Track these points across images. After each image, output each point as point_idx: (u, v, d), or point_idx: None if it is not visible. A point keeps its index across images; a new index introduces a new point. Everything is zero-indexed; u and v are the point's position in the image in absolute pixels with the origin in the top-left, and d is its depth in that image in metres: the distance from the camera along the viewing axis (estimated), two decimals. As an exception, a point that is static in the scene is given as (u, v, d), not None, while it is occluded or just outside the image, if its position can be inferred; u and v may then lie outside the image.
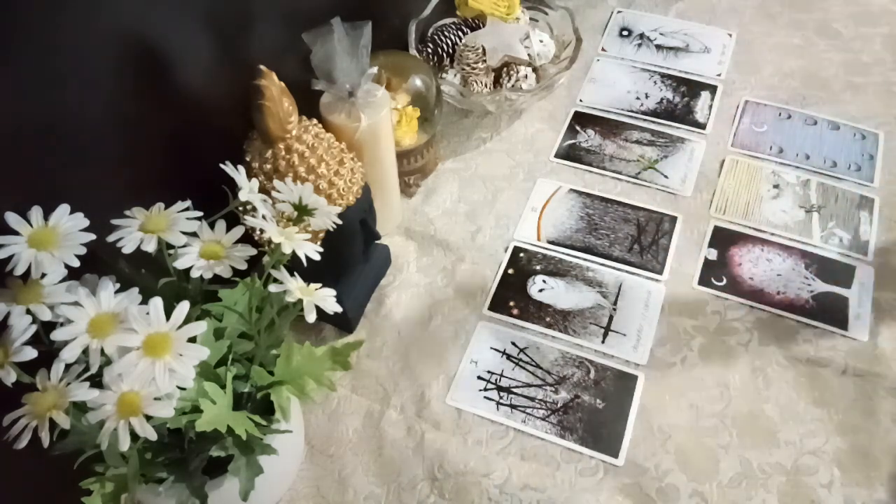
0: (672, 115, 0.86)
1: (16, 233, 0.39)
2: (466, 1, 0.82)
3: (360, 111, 0.63)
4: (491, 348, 0.67)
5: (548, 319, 0.69)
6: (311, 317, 0.44)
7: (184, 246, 0.43)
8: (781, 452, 0.60)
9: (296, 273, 0.45)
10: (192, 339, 0.40)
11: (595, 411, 0.63)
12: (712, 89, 0.88)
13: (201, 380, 0.45)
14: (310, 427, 0.63)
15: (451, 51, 0.82)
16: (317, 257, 0.45)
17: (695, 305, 0.69)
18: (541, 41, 0.85)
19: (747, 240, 0.74)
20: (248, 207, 0.46)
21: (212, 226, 0.45)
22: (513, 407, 0.63)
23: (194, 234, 0.44)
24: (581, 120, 0.86)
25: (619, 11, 0.98)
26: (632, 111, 0.86)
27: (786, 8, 0.98)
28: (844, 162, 0.80)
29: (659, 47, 0.93)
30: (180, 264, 0.43)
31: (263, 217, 0.45)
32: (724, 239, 0.74)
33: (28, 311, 0.38)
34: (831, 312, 0.68)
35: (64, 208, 0.41)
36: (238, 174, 0.46)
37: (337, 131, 0.62)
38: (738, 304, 0.69)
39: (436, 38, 0.82)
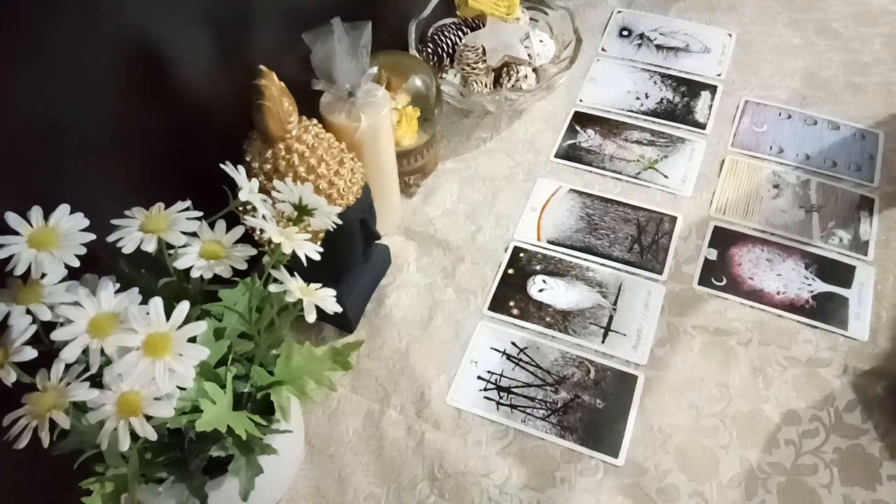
0: (672, 115, 0.86)
1: (16, 233, 0.39)
2: (466, 1, 0.82)
3: (360, 111, 0.63)
4: (491, 348, 0.67)
5: (548, 319, 0.69)
6: (311, 317, 0.44)
7: (184, 246, 0.43)
8: (781, 452, 0.60)
9: (296, 273, 0.45)
10: (192, 339, 0.40)
11: (595, 411, 0.63)
12: (712, 89, 0.88)
13: (201, 380, 0.45)
14: (310, 427, 0.63)
15: (451, 51, 0.82)
16: (317, 257, 0.45)
17: (695, 305, 0.69)
18: (541, 41, 0.85)
19: (747, 240, 0.74)
20: (248, 207, 0.46)
21: (212, 226, 0.45)
22: (513, 407, 0.63)
23: (194, 234, 0.44)
24: (581, 120, 0.86)
25: (619, 11, 0.98)
26: (632, 111, 0.86)
27: (786, 8, 0.98)
28: (844, 162, 0.80)
29: (659, 47, 0.93)
30: (180, 264, 0.43)
31: (263, 217, 0.45)
32: (724, 239, 0.74)
33: (28, 311, 0.38)
34: (831, 312, 0.68)
35: (64, 208, 0.41)
36: (238, 174, 0.46)
37: (337, 131, 0.62)
38: (738, 304, 0.69)
39: (436, 38, 0.82)
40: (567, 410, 0.63)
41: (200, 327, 0.40)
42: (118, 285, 0.41)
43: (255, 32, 0.61)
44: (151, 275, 0.47)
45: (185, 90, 0.56)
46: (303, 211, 0.47)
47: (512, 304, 0.70)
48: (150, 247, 0.42)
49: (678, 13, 0.98)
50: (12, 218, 0.39)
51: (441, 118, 0.78)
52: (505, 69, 0.82)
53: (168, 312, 0.40)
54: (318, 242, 0.47)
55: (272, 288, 0.44)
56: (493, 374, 0.65)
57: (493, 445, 0.61)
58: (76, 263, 0.39)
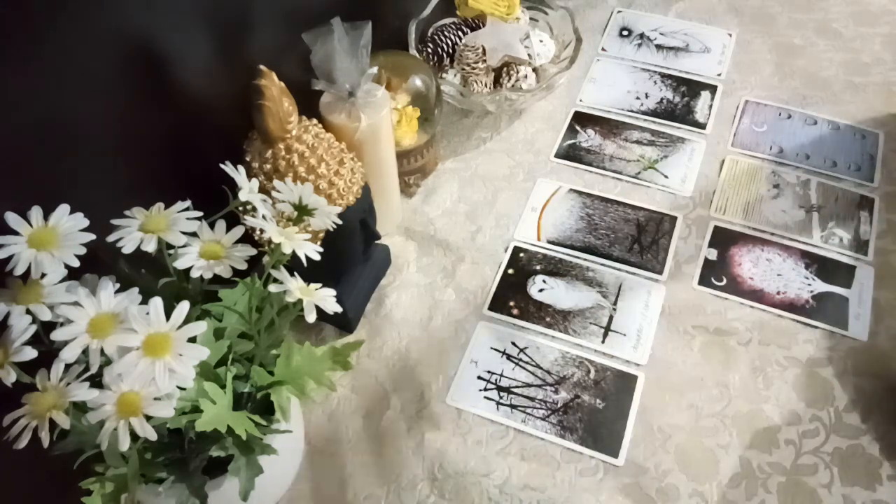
0: (672, 115, 0.86)
1: (16, 233, 0.39)
2: (466, 1, 0.82)
3: (360, 111, 0.63)
4: (491, 348, 0.67)
5: (548, 319, 0.69)
6: (311, 317, 0.44)
7: (184, 246, 0.43)
8: (781, 452, 0.60)
9: (296, 273, 0.45)
10: (192, 339, 0.40)
11: (595, 411, 0.63)
12: (712, 89, 0.88)
13: (201, 380, 0.45)
14: (310, 427, 0.63)
15: (451, 51, 0.82)
16: (317, 257, 0.45)
17: (695, 305, 0.69)
18: (541, 41, 0.85)
19: (747, 240, 0.74)
20: (248, 207, 0.46)
21: (212, 226, 0.45)
22: (513, 407, 0.63)
23: (194, 234, 0.44)
24: (581, 120, 0.86)
25: (619, 11, 0.99)
26: (632, 111, 0.86)
27: (786, 8, 0.98)
28: (844, 162, 0.80)
29: (659, 47, 0.93)
30: (180, 264, 0.43)
31: (263, 217, 0.45)
32: (724, 239, 0.74)
33: (28, 311, 0.38)
34: (831, 312, 0.68)
35: (64, 208, 0.41)
36: (238, 174, 0.46)
37: (337, 131, 0.62)
38: (738, 304, 0.69)
39: (436, 38, 0.82)
40: (567, 410, 0.63)
41: (200, 327, 0.40)
42: (118, 285, 0.41)
43: (255, 32, 0.61)
44: (151, 275, 0.47)
45: (185, 90, 0.56)
46: (303, 211, 0.47)
47: (512, 304, 0.70)
48: (150, 247, 0.42)
49: (678, 13, 0.98)
50: (12, 218, 0.39)
51: (441, 118, 0.78)
52: (505, 69, 0.82)
53: (168, 312, 0.40)
54: (318, 242, 0.47)
55: (272, 288, 0.44)
56: (493, 374, 0.65)
57: (493, 445, 0.61)
58: (76, 263, 0.39)
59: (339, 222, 0.49)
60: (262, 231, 0.45)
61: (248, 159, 0.57)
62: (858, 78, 0.89)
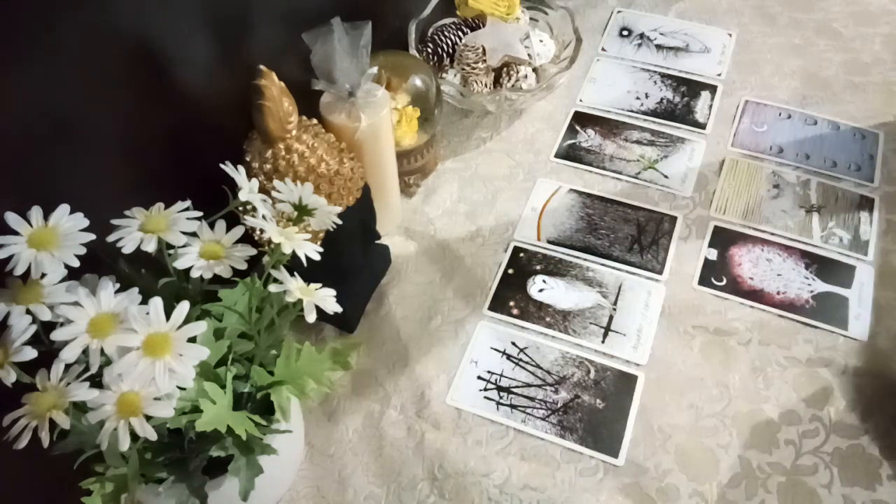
0: (672, 115, 0.86)
1: (16, 233, 0.39)
2: (466, 1, 0.82)
3: (360, 111, 0.63)
4: (491, 348, 0.67)
5: (548, 319, 0.69)
6: (311, 317, 0.44)
7: (184, 246, 0.43)
8: (781, 452, 0.60)
9: (296, 273, 0.45)
10: (192, 339, 0.40)
11: (595, 411, 0.63)
12: (712, 89, 0.88)
13: (201, 380, 0.45)
14: (310, 427, 0.63)
15: (451, 51, 0.82)
16: (317, 257, 0.45)
17: (695, 305, 0.69)
18: (541, 41, 0.85)
19: (747, 240, 0.74)
20: (248, 207, 0.46)
21: (212, 226, 0.45)
22: (513, 407, 0.63)
23: (194, 234, 0.44)
24: (581, 120, 0.86)
25: (619, 11, 0.99)
26: (632, 111, 0.86)
27: (786, 8, 0.98)
28: (844, 162, 0.80)
29: (659, 47, 0.93)
30: (180, 264, 0.43)
31: (263, 217, 0.45)
32: (724, 239, 0.74)
33: (28, 311, 0.38)
34: (831, 312, 0.68)
35: (64, 208, 0.41)
36: (238, 174, 0.46)
37: (337, 131, 0.62)
38: (738, 304, 0.69)
39: (436, 38, 0.82)
40: (567, 410, 0.63)
41: (200, 327, 0.40)
42: (118, 285, 0.41)
43: (255, 32, 0.61)
44: (151, 275, 0.47)
45: (185, 90, 0.56)
46: (303, 211, 0.47)
47: (512, 304, 0.70)
48: (150, 247, 0.42)
49: (678, 13, 0.98)
50: (12, 218, 0.39)
51: (441, 118, 0.78)
52: (505, 69, 0.82)
53: (168, 312, 0.40)
54: (318, 242, 0.47)
55: (272, 288, 0.44)
56: (493, 374, 0.65)
57: (493, 445, 0.61)
58: (76, 263, 0.39)
59: (339, 222, 0.49)
60: (262, 231, 0.45)
61: (248, 159, 0.57)
62: (858, 78, 0.89)
